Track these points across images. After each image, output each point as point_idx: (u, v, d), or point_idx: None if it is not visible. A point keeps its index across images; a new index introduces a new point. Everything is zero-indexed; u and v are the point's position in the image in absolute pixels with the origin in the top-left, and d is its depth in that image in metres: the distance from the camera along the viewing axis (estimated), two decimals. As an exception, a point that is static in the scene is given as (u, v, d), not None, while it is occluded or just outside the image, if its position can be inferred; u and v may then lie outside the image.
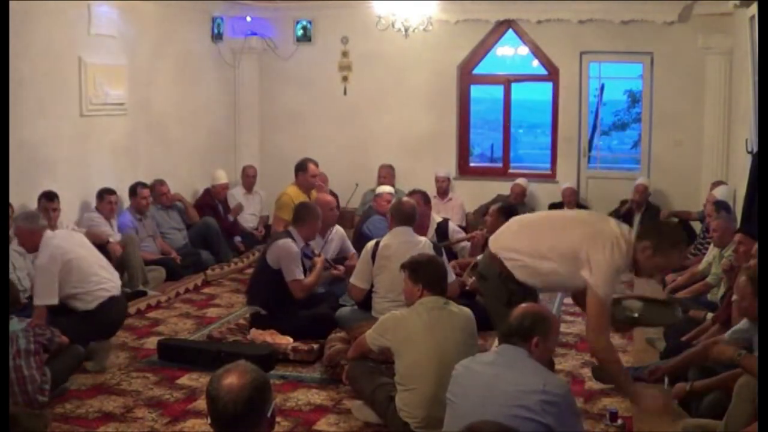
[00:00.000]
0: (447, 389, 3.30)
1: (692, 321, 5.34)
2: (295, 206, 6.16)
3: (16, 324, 4.43)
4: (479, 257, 6.36)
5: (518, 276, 4.05)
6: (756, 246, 5.11)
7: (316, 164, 7.64)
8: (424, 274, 4.18)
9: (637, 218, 8.69)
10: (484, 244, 6.38)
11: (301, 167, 7.55)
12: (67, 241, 5.39)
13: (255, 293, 5.86)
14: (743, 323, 4.24)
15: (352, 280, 5.52)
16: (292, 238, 5.71)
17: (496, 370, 3.10)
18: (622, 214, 8.66)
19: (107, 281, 5.40)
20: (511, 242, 4.14)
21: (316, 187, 7.64)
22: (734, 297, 4.23)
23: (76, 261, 5.23)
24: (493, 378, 3.07)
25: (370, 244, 5.49)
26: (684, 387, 4.12)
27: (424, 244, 5.42)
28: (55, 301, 5.11)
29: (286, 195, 7.33)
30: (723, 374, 3.94)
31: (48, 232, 5.33)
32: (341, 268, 6.21)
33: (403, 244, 5.30)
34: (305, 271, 5.71)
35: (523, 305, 3.34)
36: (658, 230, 3.92)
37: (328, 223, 6.38)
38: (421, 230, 6.07)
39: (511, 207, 6.46)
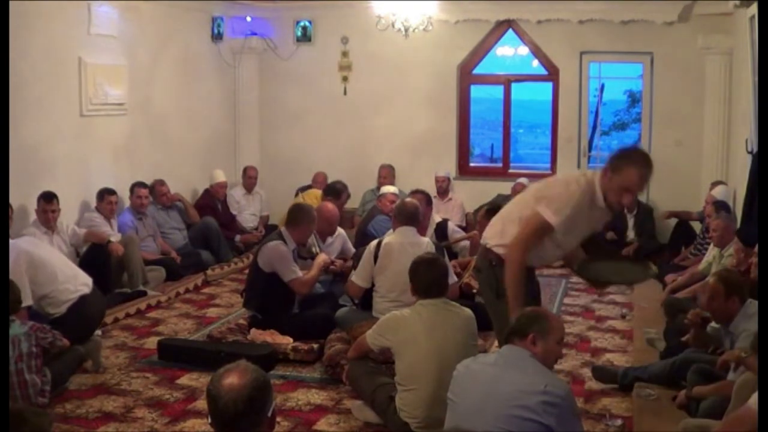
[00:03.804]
0: (447, 389, 3.30)
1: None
2: (289, 208, 6.12)
3: (17, 327, 4.42)
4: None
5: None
6: (755, 247, 5.12)
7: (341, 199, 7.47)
8: (415, 279, 4.18)
9: (630, 220, 8.73)
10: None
11: (335, 192, 7.40)
12: (30, 244, 5.44)
13: (251, 297, 5.84)
14: (713, 326, 4.30)
15: (353, 277, 5.52)
16: (283, 240, 5.67)
17: (498, 371, 3.10)
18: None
19: (75, 279, 5.40)
20: (493, 228, 4.10)
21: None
22: (706, 294, 4.27)
23: (40, 261, 5.25)
24: (494, 378, 3.07)
25: (373, 243, 5.49)
26: (683, 394, 4.14)
27: (426, 244, 5.42)
28: (29, 302, 5.11)
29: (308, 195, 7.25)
30: (721, 382, 3.96)
31: (11, 240, 5.38)
32: (339, 262, 6.16)
33: (406, 244, 5.29)
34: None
35: (526, 309, 3.36)
36: (616, 153, 3.89)
37: (327, 233, 6.33)
38: (421, 231, 6.06)
39: (498, 207, 6.45)
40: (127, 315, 6.45)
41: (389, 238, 5.47)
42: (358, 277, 5.46)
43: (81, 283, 5.42)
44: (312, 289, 5.71)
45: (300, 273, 5.61)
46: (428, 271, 4.17)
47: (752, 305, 4.11)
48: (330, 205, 6.47)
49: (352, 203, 9.46)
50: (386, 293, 5.30)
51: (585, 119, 9.59)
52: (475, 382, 3.12)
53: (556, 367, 3.80)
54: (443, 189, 9.31)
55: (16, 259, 5.13)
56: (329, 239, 6.39)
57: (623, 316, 6.45)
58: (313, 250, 6.01)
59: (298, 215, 5.81)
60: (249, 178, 9.37)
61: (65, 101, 7.25)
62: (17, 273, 5.04)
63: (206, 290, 7.43)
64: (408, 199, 5.94)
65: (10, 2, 5.33)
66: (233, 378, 2.25)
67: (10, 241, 5.37)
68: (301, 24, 9.96)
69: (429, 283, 4.14)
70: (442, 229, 6.93)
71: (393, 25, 8.41)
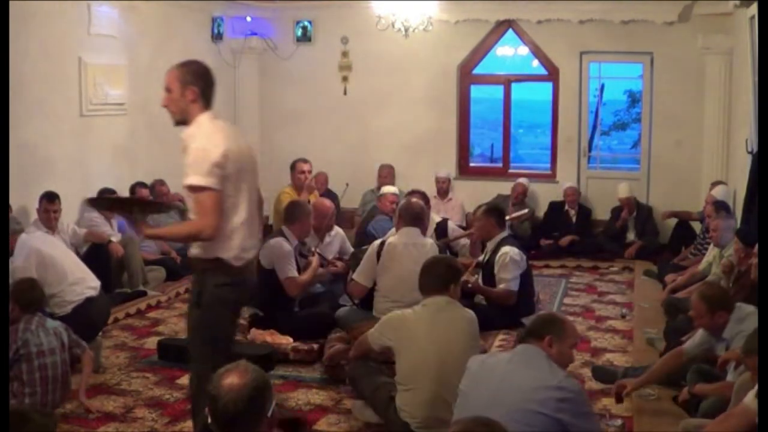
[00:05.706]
0: (448, 389, 3.31)
1: (693, 321, 5.33)
2: (285, 206, 6.16)
3: (53, 320, 4.43)
4: (479, 258, 6.38)
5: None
6: (755, 247, 5.12)
7: (305, 161, 7.64)
8: (420, 276, 4.18)
9: (631, 222, 8.77)
10: (483, 244, 6.41)
11: (291, 167, 7.61)
12: (42, 242, 5.44)
13: (251, 295, 5.83)
14: (700, 335, 4.28)
15: (355, 276, 5.51)
16: (285, 237, 5.72)
17: (513, 367, 3.14)
18: (619, 228, 8.73)
19: (83, 281, 5.40)
20: None
21: (307, 186, 7.61)
22: (690, 313, 4.29)
23: (50, 260, 5.25)
24: (507, 373, 3.11)
25: (377, 243, 5.49)
26: (686, 391, 4.14)
27: (430, 246, 5.41)
28: None
29: (284, 194, 7.35)
30: (721, 382, 3.96)
31: (23, 235, 5.40)
32: (339, 263, 6.18)
33: (410, 245, 5.28)
34: (299, 270, 5.70)
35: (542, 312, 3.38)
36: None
37: (324, 229, 6.34)
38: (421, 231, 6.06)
39: (496, 207, 6.47)
40: (127, 315, 6.45)
41: (393, 238, 5.46)
42: (359, 276, 5.46)
43: (89, 285, 5.42)
44: (303, 291, 5.73)
45: (296, 273, 5.62)
46: (429, 267, 4.19)
47: (742, 309, 4.12)
48: (326, 201, 6.50)
49: (352, 203, 9.47)
50: (388, 293, 5.29)
51: (585, 119, 9.59)
52: (490, 376, 3.16)
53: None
54: (444, 189, 9.31)
55: (26, 257, 5.14)
56: (327, 238, 6.39)
57: (623, 316, 6.44)
58: (312, 248, 6.02)
59: (294, 211, 5.87)
60: (248, 178, 9.35)
61: (65, 101, 7.26)
62: (27, 271, 5.05)
63: (206, 290, 7.41)
64: (414, 200, 5.93)
65: (10, 2, 5.33)
66: (233, 378, 2.25)
67: (22, 236, 5.38)
68: (301, 24, 9.96)
69: (427, 278, 4.15)
70: (442, 228, 6.93)
71: (393, 25, 8.40)
